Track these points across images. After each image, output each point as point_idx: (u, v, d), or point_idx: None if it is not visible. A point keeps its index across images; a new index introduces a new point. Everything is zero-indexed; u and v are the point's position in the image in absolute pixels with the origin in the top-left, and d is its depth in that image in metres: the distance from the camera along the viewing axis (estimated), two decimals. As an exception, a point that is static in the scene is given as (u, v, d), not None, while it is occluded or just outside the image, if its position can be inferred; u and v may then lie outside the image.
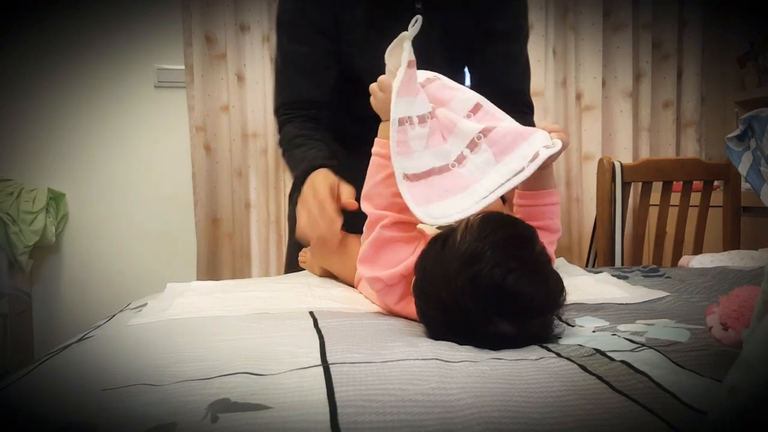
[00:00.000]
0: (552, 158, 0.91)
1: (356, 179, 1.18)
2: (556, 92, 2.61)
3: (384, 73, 0.98)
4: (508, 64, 1.41)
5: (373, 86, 0.98)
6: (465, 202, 0.87)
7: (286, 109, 1.36)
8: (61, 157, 2.57)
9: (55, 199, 2.52)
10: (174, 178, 2.61)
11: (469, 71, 1.46)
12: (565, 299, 0.76)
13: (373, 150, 0.95)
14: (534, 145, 0.89)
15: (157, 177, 2.63)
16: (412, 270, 0.84)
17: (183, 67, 2.46)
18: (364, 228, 0.93)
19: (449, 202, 0.87)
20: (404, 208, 0.86)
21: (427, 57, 1.08)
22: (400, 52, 0.92)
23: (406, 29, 0.94)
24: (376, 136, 0.97)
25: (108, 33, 2.55)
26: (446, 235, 0.79)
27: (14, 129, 2.54)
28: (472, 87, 1.09)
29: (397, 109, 0.87)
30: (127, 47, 2.56)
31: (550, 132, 0.93)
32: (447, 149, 0.93)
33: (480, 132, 0.92)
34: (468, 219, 0.80)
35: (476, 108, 0.99)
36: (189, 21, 2.43)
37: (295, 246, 1.46)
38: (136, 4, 2.55)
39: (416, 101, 0.92)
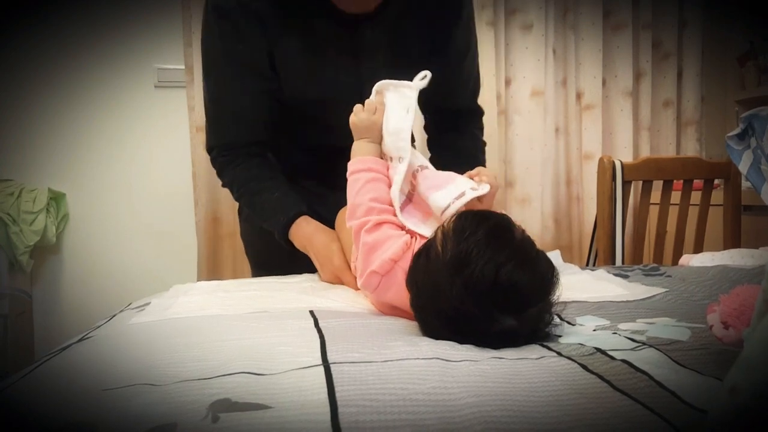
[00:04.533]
0: (484, 200, 0.95)
1: (328, 207, 1.27)
2: (557, 92, 2.61)
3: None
4: (458, 86, 1.39)
5: (358, 106, 1.05)
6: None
7: (221, 151, 1.30)
8: (61, 158, 2.57)
9: (56, 199, 2.53)
10: (174, 178, 2.61)
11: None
12: (558, 278, 0.76)
13: (352, 167, 1.00)
14: (460, 186, 0.95)
15: (158, 177, 2.63)
16: (402, 254, 0.86)
17: (183, 66, 2.46)
18: (353, 240, 0.95)
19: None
20: (383, 211, 0.93)
21: (371, 75, 1.11)
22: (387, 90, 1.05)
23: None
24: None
25: (108, 33, 2.55)
26: (427, 246, 0.79)
27: (14, 129, 2.54)
28: (420, 106, 1.12)
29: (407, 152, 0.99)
30: (127, 47, 2.56)
31: (479, 178, 0.99)
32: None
33: (418, 166, 1.02)
34: (442, 225, 0.80)
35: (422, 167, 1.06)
36: (189, 21, 2.42)
37: (258, 271, 1.51)
38: (136, 4, 2.55)
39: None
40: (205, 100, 1.31)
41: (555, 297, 0.75)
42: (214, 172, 2.54)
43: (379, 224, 0.92)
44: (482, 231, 0.75)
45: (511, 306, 0.71)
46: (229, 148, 1.29)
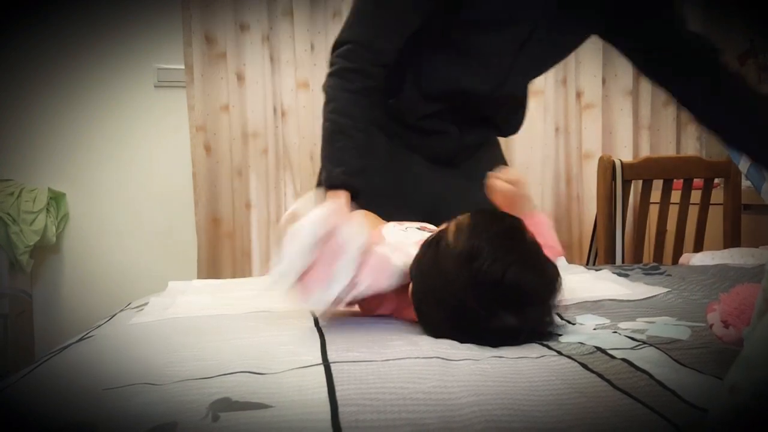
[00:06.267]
0: (515, 202, 0.98)
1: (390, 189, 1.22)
2: (557, 91, 2.61)
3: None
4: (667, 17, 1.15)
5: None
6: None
7: (354, 50, 1.15)
8: (61, 157, 2.57)
9: (56, 199, 2.52)
10: (174, 178, 2.61)
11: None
12: (561, 285, 0.76)
13: None
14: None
15: (158, 177, 2.63)
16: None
17: (183, 66, 2.46)
18: None
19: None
20: None
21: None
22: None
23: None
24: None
25: (108, 33, 2.54)
26: (437, 237, 0.80)
27: (14, 129, 2.53)
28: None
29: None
30: (127, 47, 2.56)
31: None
32: None
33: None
34: (457, 219, 0.80)
35: None
36: (189, 20, 2.42)
37: None
38: (136, 4, 2.55)
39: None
40: None
41: (557, 301, 0.76)
42: (214, 172, 2.50)
43: None
44: (495, 229, 0.76)
45: (513, 305, 0.71)
46: (365, 49, 1.15)
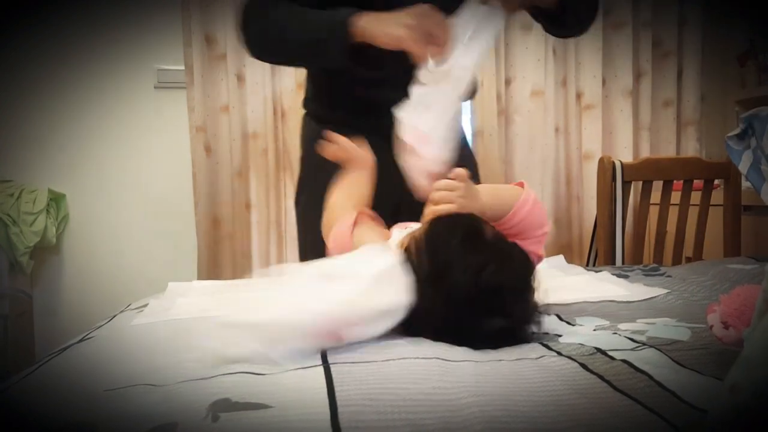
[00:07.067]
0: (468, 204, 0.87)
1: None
2: (556, 91, 2.61)
3: None
4: None
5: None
6: None
7: None
8: (61, 158, 2.57)
9: (56, 200, 2.52)
10: (174, 179, 2.61)
11: None
12: (534, 265, 0.76)
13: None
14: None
15: (158, 178, 2.63)
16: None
17: (183, 67, 2.46)
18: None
19: None
20: None
21: None
22: None
23: None
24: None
25: (108, 33, 2.54)
26: (404, 258, 0.75)
27: (14, 130, 2.53)
28: None
29: None
30: (127, 48, 2.56)
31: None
32: None
33: None
34: (413, 234, 0.78)
35: None
36: (189, 21, 2.42)
37: (307, 248, 1.43)
38: (136, 5, 2.55)
39: None
40: None
41: (536, 284, 0.75)
42: (214, 172, 2.49)
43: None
44: (454, 237, 0.74)
45: (496, 306, 0.71)
46: None
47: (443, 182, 0.84)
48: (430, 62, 1.02)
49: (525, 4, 1.19)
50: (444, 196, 0.83)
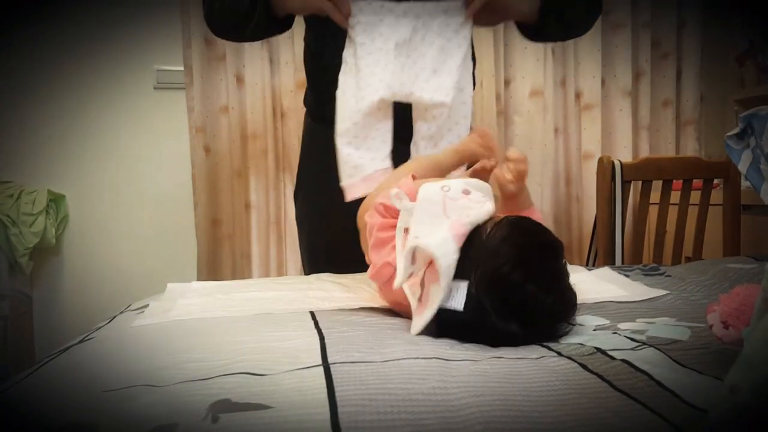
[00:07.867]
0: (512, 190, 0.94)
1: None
2: (556, 91, 2.61)
3: None
4: None
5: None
6: None
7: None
8: (60, 159, 2.57)
9: (55, 200, 2.52)
10: (174, 180, 2.61)
11: None
12: (575, 314, 0.76)
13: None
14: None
15: (157, 178, 2.63)
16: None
17: (182, 68, 2.46)
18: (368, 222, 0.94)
19: None
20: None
21: None
22: None
23: None
24: None
25: (107, 34, 2.54)
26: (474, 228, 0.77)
27: (14, 131, 2.54)
28: None
29: None
30: (127, 48, 2.56)
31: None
32: None
33: None
34: (500, 218, 0.79)
35: None
36: (188, 22, 2.42)
37: (309, 248, 1.43)
38: (135, 5, 2.55)
39: None
40: None
41: (564, 328, 0.76)
42: (214, 173, 2.51)
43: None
44: (531, 240, 0.77)
45: (519, 314, 0.71)
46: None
47: (524, 155, 0.92)
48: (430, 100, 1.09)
49: (492, 21, 1.28)
50: (524, 171, 0.91)
